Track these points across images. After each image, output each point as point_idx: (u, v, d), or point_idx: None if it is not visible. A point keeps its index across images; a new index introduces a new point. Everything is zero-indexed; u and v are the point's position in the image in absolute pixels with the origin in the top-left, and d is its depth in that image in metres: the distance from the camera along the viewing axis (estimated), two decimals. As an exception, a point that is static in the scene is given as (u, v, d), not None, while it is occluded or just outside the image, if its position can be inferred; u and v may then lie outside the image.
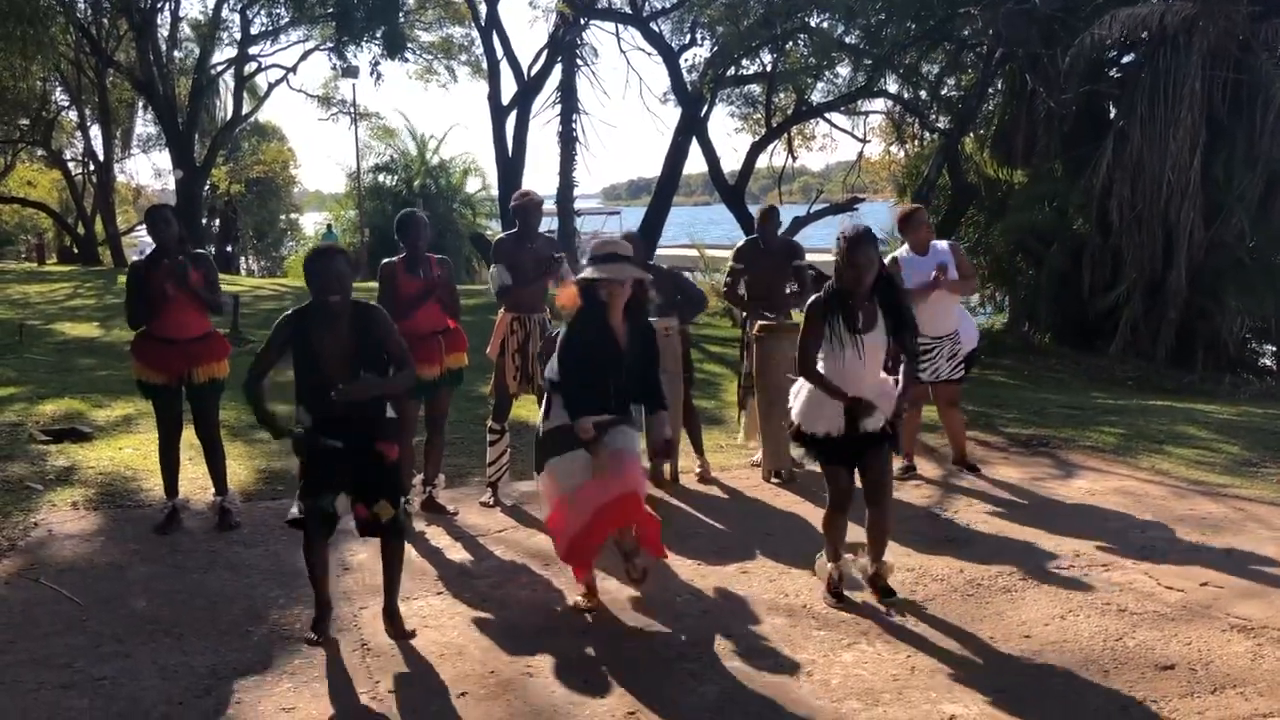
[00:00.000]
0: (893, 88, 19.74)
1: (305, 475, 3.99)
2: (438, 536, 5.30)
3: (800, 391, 4.41)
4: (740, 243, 7.08)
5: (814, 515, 5.56)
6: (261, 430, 5.67)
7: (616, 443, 4.19)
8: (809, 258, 6.97)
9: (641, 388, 4.32)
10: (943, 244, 6.31)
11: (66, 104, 29.74)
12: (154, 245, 5.30)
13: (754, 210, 10.43)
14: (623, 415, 4.27)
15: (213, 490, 5.54)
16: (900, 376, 4.30)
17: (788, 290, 6.70)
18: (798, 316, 7.09)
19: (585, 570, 4.35)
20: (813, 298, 4.30)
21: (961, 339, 6.23)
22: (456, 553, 5.09)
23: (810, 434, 4.31)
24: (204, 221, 28.25)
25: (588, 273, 4.26)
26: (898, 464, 5.58)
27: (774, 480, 6.37)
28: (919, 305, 5.74)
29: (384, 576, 4.11)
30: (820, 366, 4.26)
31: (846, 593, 4.39)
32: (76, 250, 30.96)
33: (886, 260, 6.13)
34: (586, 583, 4.38)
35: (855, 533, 4.48)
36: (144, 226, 5.39)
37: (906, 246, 6.24)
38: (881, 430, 4.26)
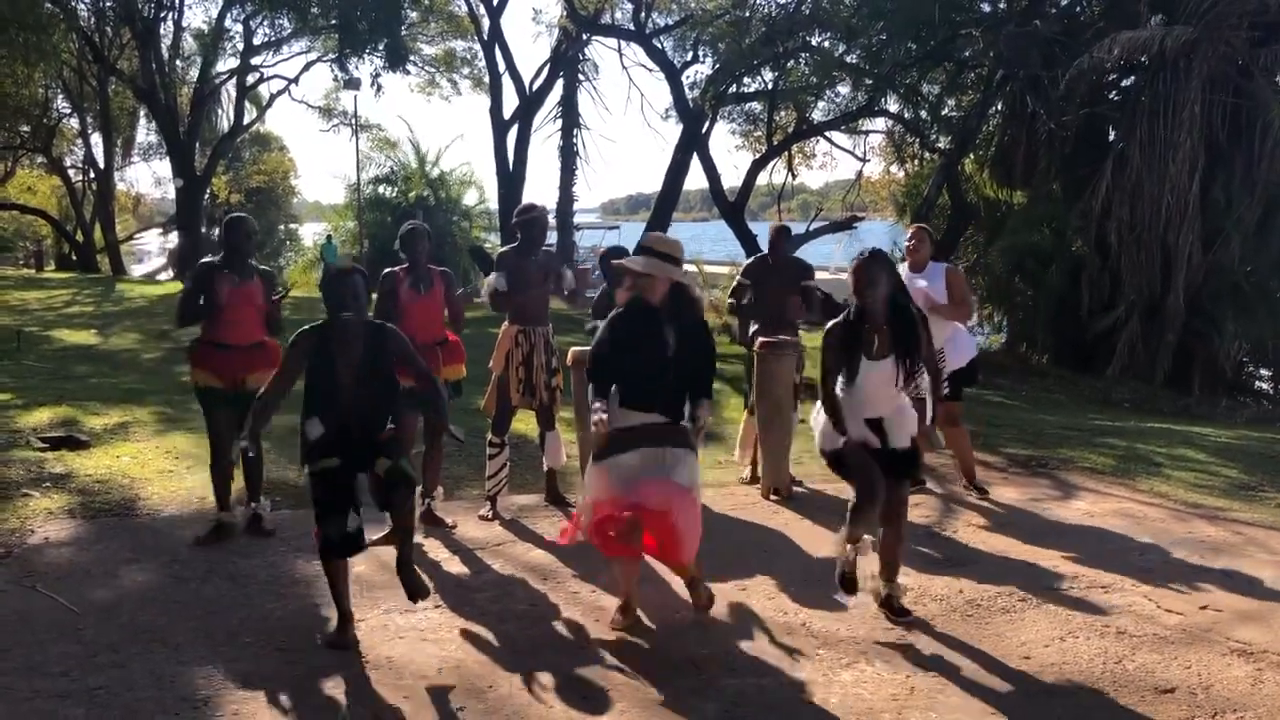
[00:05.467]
0: (893, 107, 19.87)
1: (315, 496, 4.03)
2: (436, 549, 5.28)
3: (819, 417, 4.42)
4: (749, 260, 7.08)
5: (813, 533, 5.57)
6: (264, 441, 5.69)
7: (677, 473, 4.08)
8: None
9: (691, 382, 4.22)
10: (941, 265, 6.36)
11: (68, 111, 29.85)
12: (225, 253, 5.31)
13: (754, 227, 10.43)
14: (672, 419, 4.16)
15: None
16: (921, 394, 4.30)
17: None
18: (805, 336, 7.13)
19: (611, 551, 4.20)
20: (830, 324, 4.33)
21: (948, 357, 6.24)
22: (454, 566, 5.07)
23: (838, 452, 4.30)
24: (203, 230, 28.21)
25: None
26: None
27: (772, 498, 6.35)
28: None
29: (395, 529, 4.09)
30: (838, 391, 4.28)
31: (858, 590, 4.36)
32: (75, 257, 31.01)
33: None
34: (625, 598, 4.30)
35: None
36: (223, 232, 5.38)
37: (906, 265, 6.27)
38: (904, 451, 4.30)
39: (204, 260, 5.46)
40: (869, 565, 4.43)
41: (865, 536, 4.35)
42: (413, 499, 4.14)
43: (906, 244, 6.42)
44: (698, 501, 4.23)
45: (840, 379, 4.28)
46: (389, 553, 4.69)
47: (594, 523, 4.11)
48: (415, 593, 4.05)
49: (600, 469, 4.17)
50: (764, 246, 7.23)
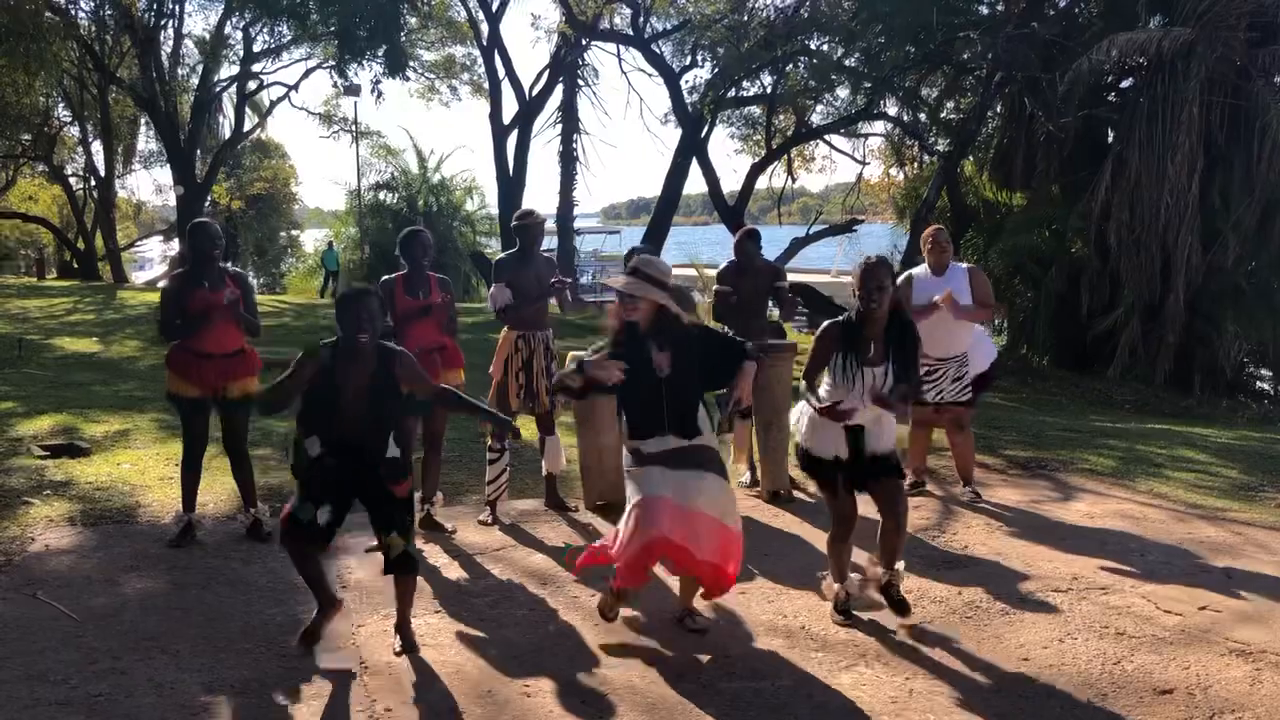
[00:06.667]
0: (892, 110, 19.90)
1: (298, 491, 4.06)
2: (435, 555, 5.29)
3: (802, 415, 4.43)
4: (722, 266, 6.99)
5: (812, 536, 5.57)
6: (260, 447, 5.71)
7: (696, 501, 4.02)
8: (806, 278, 6.98)
9: (726, 362, 4.18)
10: (963, 266, 6.27)
11: (69, 120, 29.86)
12: (192, 261, 5.30)
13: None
14: (685, 436, 4.11)
15: (178, 507, 5.51)
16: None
17: (768, 311, 6.71)
18: (791, 333, 7.13)
19: (623, 584, 4.21)
20: (828, 322, 4.34)
21: (970, 362, 6.20)
22: (454, 571, 5.08)
23: (816, 457, 4.35)
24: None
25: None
26: (906, 481, 5.56)
27: (772, 501, 6.35)
28: (922, 324, 5.74)
29: (397, 604, 4.15)
30: (824, 390, 4.29)
31: (855, 611, 4.39)
32: (76, 265, 30.99)
33: (900, 279, 6.14)
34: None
35: (857, 556, 4.49)
36: (189, 240, 5.37)
37: (925, 266, 6.23)
38: (886, 454, 4.31)
39: (175, 273, 5.46)
40: (866, 564, 4.44)
41: (852, 575, 4.38)
42: (414, 583, 4.16)
43: (930, 243, 6.19)
44: (733, 527, 4.12)
45: (829, 379, 4.29)
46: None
47: (626, 562, 4.09)
48: (408, 651, 4.06)
49: (635, 475, 4.13)
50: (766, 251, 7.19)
